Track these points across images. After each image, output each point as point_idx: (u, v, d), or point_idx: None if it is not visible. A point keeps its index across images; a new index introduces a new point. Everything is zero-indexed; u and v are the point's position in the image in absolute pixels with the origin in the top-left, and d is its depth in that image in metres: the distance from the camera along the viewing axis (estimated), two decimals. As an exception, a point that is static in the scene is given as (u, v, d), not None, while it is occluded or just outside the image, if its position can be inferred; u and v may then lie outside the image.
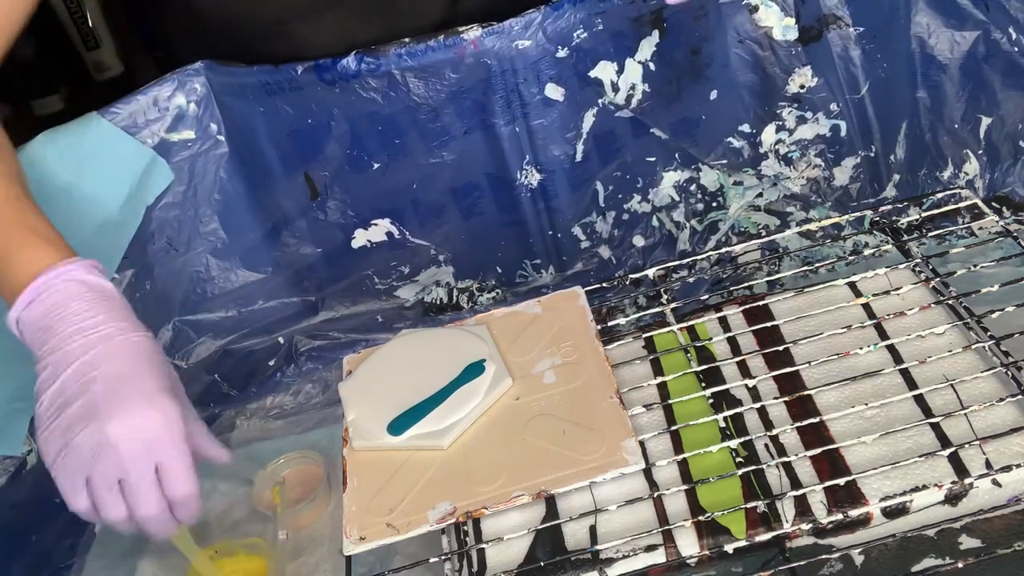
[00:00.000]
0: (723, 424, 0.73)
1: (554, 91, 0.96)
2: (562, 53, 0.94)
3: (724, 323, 0.83)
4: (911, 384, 0.73)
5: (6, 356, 0.88)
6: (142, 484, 0.63)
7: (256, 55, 0.94)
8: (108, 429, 0.62)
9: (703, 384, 0.76)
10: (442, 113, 0.96)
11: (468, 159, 1.00)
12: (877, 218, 0.89)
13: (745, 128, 1.04)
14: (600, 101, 0.98)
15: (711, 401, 0.75)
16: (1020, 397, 0.69)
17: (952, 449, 0.67)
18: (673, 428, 0.74)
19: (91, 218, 0.94)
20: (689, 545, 0.66)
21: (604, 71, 0.97)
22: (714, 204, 1.08)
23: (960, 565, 0.67)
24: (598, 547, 0.67)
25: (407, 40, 0.93)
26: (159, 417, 0.63)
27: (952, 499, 0.66)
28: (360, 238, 1.05)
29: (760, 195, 1.07)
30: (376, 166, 1.00)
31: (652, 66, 0.97)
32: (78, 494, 0.64)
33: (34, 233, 0.68)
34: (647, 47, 0.96)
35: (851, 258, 0.94)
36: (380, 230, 1.05)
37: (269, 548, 0.87)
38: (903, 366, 0.74)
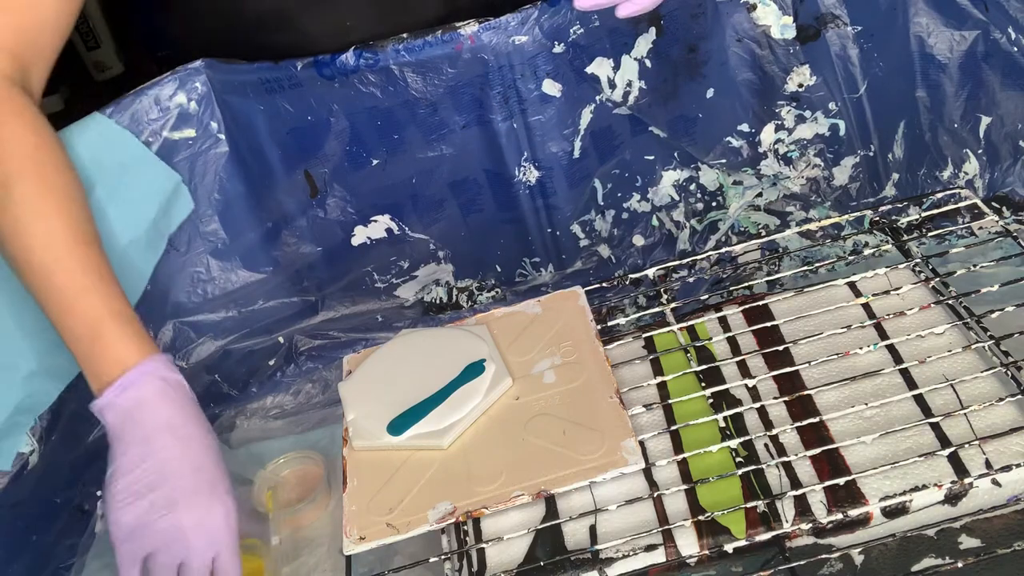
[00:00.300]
0: (723, 424, 0.73)
1: (551, 87, 0.96)
2: (559, 49, 0.94)
3: (724, 323, 0.83)
4: (911, 384, 0.73)
5: (11, 372, 0.88)
6: (201, 571, 0.70)
7: (258, 48, 0.94)
8: (184, 519, 0.70)
9: (703, 384, 0.76)
10: (440, 107, 0.96)
11: (466, 153, 1.00)
12: (877, 218, 0.89)
13: (744, 127, 1.04)
14: (597, 98, 0.98)
15: (711, 401, 0.75)
16: (1020, 397, 0.69)
17: (952, 449, 0.67)
18: (673, 428, 0.74)
19: (119, 239, 0.95)
20: (689, 545, 0.66)
21: (600, 67, 0.97)
22: (714, 204, 1.08)
23: (960, 565, 0.67)
24: (598, 547, 0.67)
25: (405, 35, 0.93)
26: (223, 512, 0.71)
27: (952, 499, 0.66)
28: (360, 235, 1.05)
29: (760, 195, 1.07)
30: (375, 162, 1.00)
31: (648, 63, 0.97)
32: (132, 569, 0.70)
33: (119, 319, 0.74)
34: (643, 44, 0.96)
35: (851, 258, 0.94)
36: (380, 226, 1.05)
37: (266, 549, 0.88)
38: (903, 366, 0.74)
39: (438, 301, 1.11)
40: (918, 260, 0.82)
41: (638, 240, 1.08)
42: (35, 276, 0.74)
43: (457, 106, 0.97)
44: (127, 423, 0.72)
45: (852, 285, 0.83)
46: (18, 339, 0.89)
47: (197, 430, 0.74)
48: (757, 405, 0.74)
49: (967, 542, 0.68)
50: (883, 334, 0.77)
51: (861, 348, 0.76)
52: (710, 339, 0.81)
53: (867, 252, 0.89)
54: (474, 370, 0.79)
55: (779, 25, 0.98)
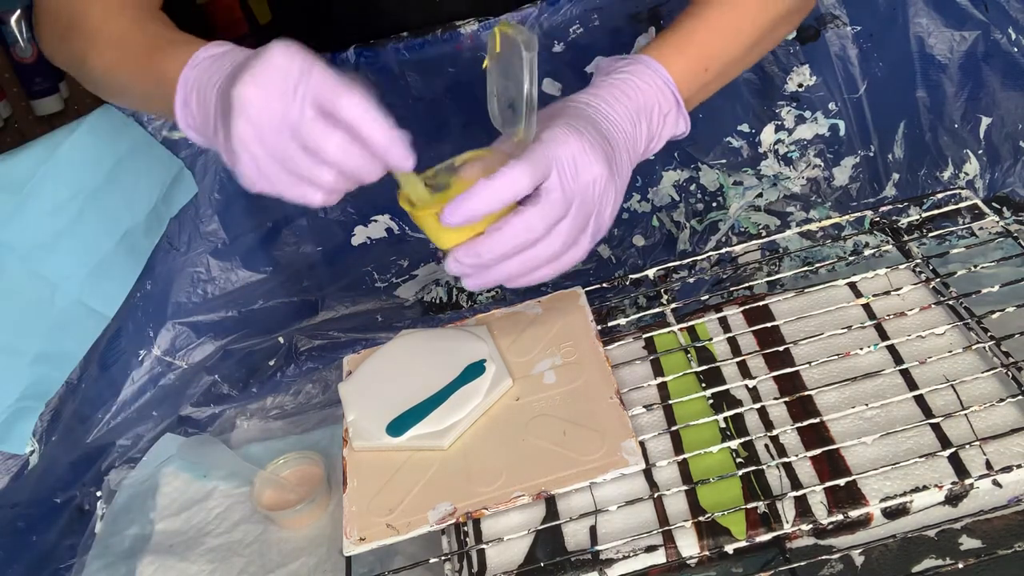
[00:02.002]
0: (723, 424, 0.73)
1: (551, 86, 0.96)
2: (558, 48, 0.94)
3: (724, 323, 0.83)
4: (911, 385, 0.73)
5: (17, 356, 0.88)
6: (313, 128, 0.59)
7: (342, 25, 0.94)
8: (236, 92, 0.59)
9: (703, 384, 0.76)
10: (440, 107, 0.96)
11: (466, 153, 1.00)
12: (877, 218, 0.89)
13: (744, 128, 1.04)
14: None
15: (711, 401, 0.75)
16: (1020, 398, 0.69)
17: (952, 450, 0.67)
18: (673, 428, 0.74)
19: (119, 223, 0.95)
20: (689, 546, 0.66)
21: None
22: (714, 204, 1.08)
23: (960, 566, 0.67)
24: (598, 548, 0.67)
25: (405, 34, 0.93)
26: (280, 57, 0.58)
27: (952, 500, 0.66)
28: (360, 235, 1.05)
29: (760, 195, 1.07)
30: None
31: (650, 64, 0.97)
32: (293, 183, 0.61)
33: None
34: (643, 44, 0.96)
35: (851, 258, 0.94)
36: (380, 226, 1.05)
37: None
38: (903, 366, 0.74)
39: (438, 301, 1.11)
40: (918, 260, 0.82)
41: (638, 240, 1.08)
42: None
43: (457, 105, 0.97)
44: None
45: (852, 285, 0.83)
46: (22, 324, 0.90)
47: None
48: (757, 406, 0.74)
49: (968, 543, 0.68)
50: (883, 335, 0.77)
51: (861, 349, 0.76)
52: (710, 340, 0.81)
53: (867, 252, 0.89)
54: (474, 371, 0.79)
55: (779, 25, 0.98)
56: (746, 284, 0.95)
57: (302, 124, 0.58)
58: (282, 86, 0.58)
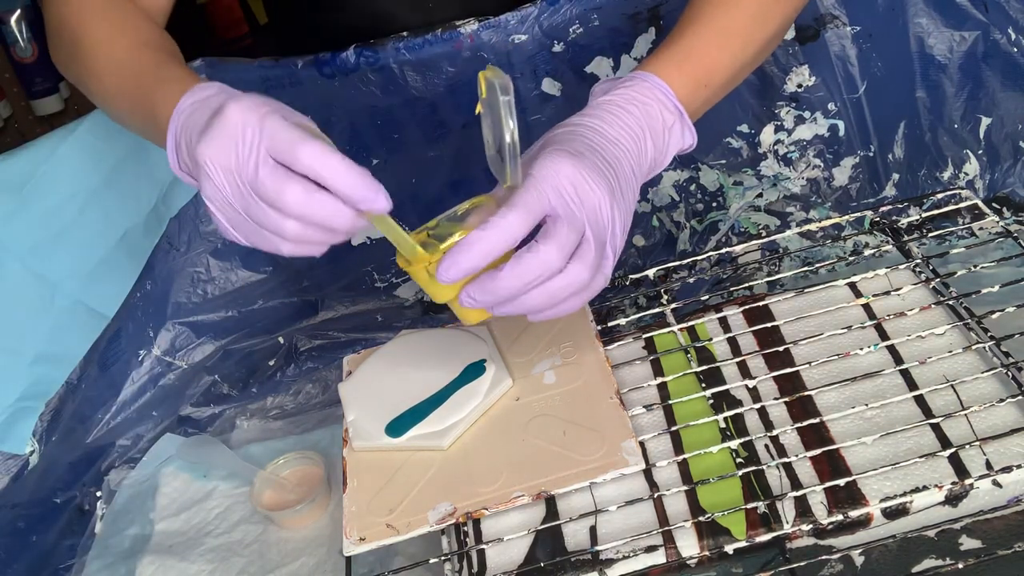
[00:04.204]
0: (723, 425, 0.73)
1: (551, 86, 0.96)
2: (558, 48, 0.94)
3: (724, 323, 0.83)
4: (911, 385, 0.73)
5: (17, 356, 0.88)
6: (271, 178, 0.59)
7: (333, 26, 0.95)
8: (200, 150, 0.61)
9: (703, 385, 0.76)
10: (440, 107, 0.96)
11: (466, 153, 1.00)
12: (877, 218, 0.89)
13: (744, 128, 1.04)
14: (597, 98, 0.98)
15: (711, 402, 0.75)
16: (1020, 398, 0.69)
17: (952, 450, 0.67)
18: (673, 429, 0.74)
19: (119, 223, 0.96)
20: (689, 546, 0.66)
21: (600, 67, 0.97)
22: (714, 204, 1.08)
23: (960, 566, 0.67)
24: (598, 548, 0.67)
25: (405, 34, 0.93)
26: (235, 114, 0.60)
27: (952, 500, 0.66)
28: (360, 235, 1.05)
29: (760, 195, 1.07)
30: (375, 161, 1.00)
31: (649, 63, 0.97)
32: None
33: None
34: (643, 44, 0.96)
35: (851, 258, 0.94)
36: (380, 226, 1.05)
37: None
38: (903, 367, 0.74)
39: (438, 301, 1.11)
40: (918, 261, 0.82)
41: (638, 240, 1.08)
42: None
43: (457, 105, 0.97)
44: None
45: (852, 286, 0.83)
46: (22, 324, 0.90)
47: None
48: (757, 406, 0.74)
49: (968, 543, 0.68)
50: (883, 335, 0.77)
51: (861, 349, 0.76)
52: (710, 340, 0.81)
53: (867, 253, 0.89)
54: (474, 371, 0.79)
55: (779, 25, 0.98)
56: (746, 284, 0.95)
57: (256, 180, 0.59)
58: (238, 143, 0.59)
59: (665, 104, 0.70)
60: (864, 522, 0.66)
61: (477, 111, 0.64)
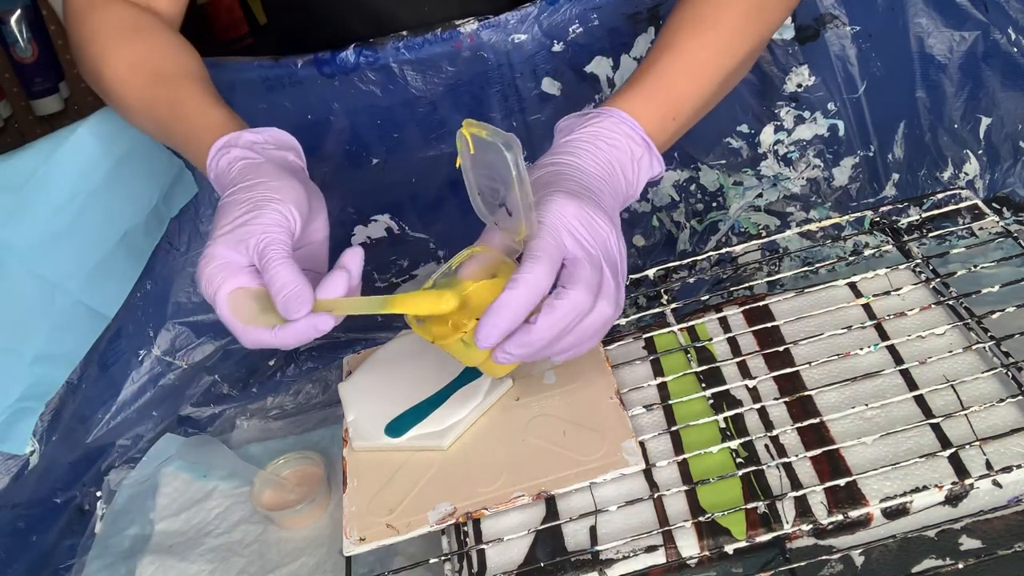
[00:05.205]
0: (723, 425, 0.73)
1: (551, 86, 0.96)
2: (558, 47, 0.94)
3: (724, 323, 0.83)
4: (911, 385, 0.73)
5: (17, 356, 0.88)
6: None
7: (330, 28, 0.96)
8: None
9: (703, 385, 0.76)
10: (440, 106, 0.96)
11: (466, 152, 1.00)
12: (877, 218, 0.89)
13: (743, 128, 1.04)
14: (596, 97, 0.98)
15: (711, 402, 0.75)
16: (1020, 398, 0.69)
17: (952, 450, 0.67)
18: (673, 429, 0.74)
19: (119, 223, 0.96)
20: (689, 546, 0.66)
21: (599, 66, 0.97)
22: (714, 204, 1.08)
23: (960, 566, 0.67)
24: (598, 548, 0.67)
25: (405, 33, 0.93)
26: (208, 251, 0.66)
27: (952, 500, 0.66)
28: (360, 234, 1.05)
29: (760, 195, 1.07)
30: (375, 161, 1.00)
31: (648, 63, 0.97)
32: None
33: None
34: (643, 43, 0.96)
35: (851, 258, 0.94)
36: (380, 225, 1.05)
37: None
38: (903, 367, 0.74)
39: (438, 301, 1.11)
40: (918, 261, 0.82)
41: (638, 240, 1.08)
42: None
43: (456, 104, 0.97)
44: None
45: (852, 286, 0.83)
46: (22, 324, 0.90)
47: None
48: (757, 406, 0.74)
49: (968, 543, 0.68)
50: (883, 335, 0.77)
51: (861, 349, 0.76)
52: (710, 340, 0.81)
53: (867, 253, 0.89)
54: (474, 371, 0.79)
55: (778, 25, 0.98)
56: (746, 284, 0.95)
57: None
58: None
59: (632, 137, 0.71)
60: (864, 522, 0.66)
61: (457, 164, 0.65)
